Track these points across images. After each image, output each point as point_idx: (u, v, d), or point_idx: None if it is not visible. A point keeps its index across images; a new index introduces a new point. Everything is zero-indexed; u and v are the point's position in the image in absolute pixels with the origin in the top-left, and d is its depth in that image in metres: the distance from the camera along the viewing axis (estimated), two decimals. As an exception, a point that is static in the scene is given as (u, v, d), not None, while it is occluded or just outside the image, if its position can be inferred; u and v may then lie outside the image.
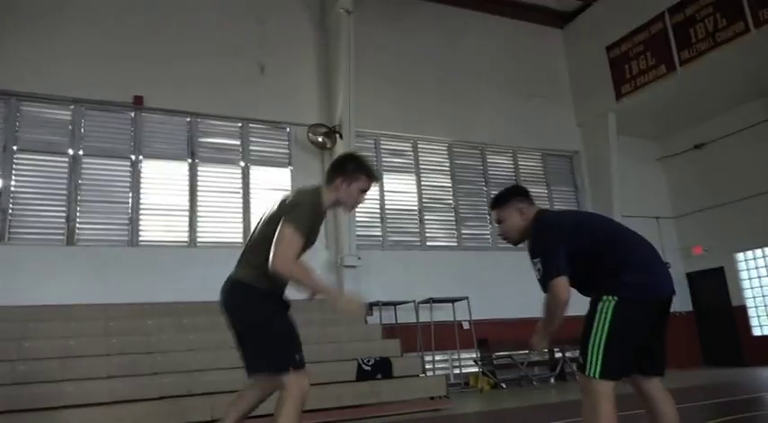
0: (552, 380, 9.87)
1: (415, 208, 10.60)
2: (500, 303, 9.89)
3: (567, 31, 12.56)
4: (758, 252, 11.25)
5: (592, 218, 2.89)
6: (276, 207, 2.98)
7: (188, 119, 9.16)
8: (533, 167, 11.96)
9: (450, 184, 11.01)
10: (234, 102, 9.40)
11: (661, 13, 10.41)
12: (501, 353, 9.73)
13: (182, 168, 9.00)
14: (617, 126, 11.54)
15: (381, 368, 7.05)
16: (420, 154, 10.91)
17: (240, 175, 9.39)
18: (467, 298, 9.38)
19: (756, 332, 11.25)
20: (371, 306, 9.06)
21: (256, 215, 9.08)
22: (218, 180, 9.23)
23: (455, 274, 9.94)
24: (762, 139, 11.01)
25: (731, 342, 11.28)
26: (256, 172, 9.50)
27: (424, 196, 10.71)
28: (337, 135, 9.50)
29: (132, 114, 8.80)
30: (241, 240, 9.09)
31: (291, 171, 9.71)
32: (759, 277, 11.28)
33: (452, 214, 10.83)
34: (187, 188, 8.94)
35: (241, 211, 9.23)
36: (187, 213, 8.84)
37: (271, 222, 2.90)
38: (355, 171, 2.98)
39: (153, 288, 7.88)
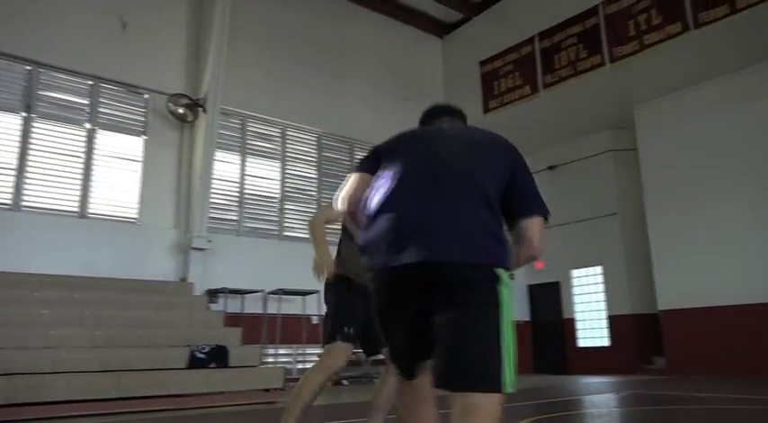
0: (394, 378, 9.98)
1: (277, 196, 10.27)
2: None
3: (446, 41, 12.90)
4: (590, 270, 12.24)
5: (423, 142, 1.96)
6: None
7: (28, 67, 8.14)
8: (400, 169, 12.07)
9: (315, 176, 10.82)
10: (86, 56, 8.51)
11: (531, 37, 10.98)
12: (347, 349, 9.66)
13: (14, 121, 7.97)
14: (482, 139, 11.97)
15: (217, 357, 6.66)
16: (288, 141, 10.61)
17: (84, 138, 8.50)
18: (318, 291, 9.21)
19: (581, 344, 12.23)
20: (216, 293, 8.61)
21: (98, 183, 8.45)
22: (58, 140, 8.28)
23: (310, 267, 9.69)
24: (603, 167, 12.01)
25: (559, 351, 12.16)
26: (104, 137, 8.67)
27: (286, 185, 10.41)
28: (200, 109, 8.94)
29: (-43, 52, 7.67)
30: (77, 209, 8.24)
31: (145, 141, 8.99)
32: (588, 293, 12.28)
33: (315, 206, 10.62)
34: (17, 144, 7.93)
35: (81, 177, 8.35)
36: (14, 172, 7.84)
37: None
38: None
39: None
